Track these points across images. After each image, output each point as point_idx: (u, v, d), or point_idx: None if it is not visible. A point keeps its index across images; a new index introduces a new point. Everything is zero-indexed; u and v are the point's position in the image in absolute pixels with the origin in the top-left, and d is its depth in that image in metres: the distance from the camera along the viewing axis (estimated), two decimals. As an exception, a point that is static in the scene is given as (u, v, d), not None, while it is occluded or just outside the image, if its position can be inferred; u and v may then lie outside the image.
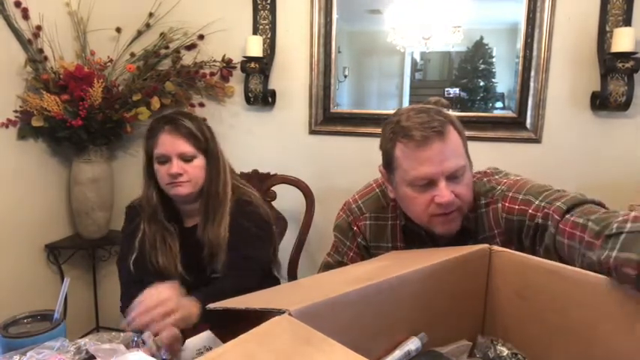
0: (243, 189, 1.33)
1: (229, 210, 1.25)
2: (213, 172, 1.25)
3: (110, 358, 0.81)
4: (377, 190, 1.09)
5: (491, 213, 0.94)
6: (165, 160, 1.20)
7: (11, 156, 1.91)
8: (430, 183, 0.89)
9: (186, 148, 1.20)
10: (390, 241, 1.05)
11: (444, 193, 0.87)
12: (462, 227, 0.94)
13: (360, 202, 1.09)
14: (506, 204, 0.91)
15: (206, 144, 1.24)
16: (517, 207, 0.90)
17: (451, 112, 0.97)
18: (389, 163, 0.96)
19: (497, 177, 0.99)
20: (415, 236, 1.02)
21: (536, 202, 0.86)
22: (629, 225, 0.65)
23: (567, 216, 0.79)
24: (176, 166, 1.19)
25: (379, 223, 1.05)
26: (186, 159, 1.21)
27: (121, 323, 1.00)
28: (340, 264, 1.09)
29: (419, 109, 0.93)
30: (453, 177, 0.89)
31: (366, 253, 1.08)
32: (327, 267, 1.14)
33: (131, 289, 1.16)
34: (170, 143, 1.19)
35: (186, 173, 1.20)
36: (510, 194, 0.92)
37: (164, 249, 1.25)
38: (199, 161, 1.23)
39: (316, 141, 2.06)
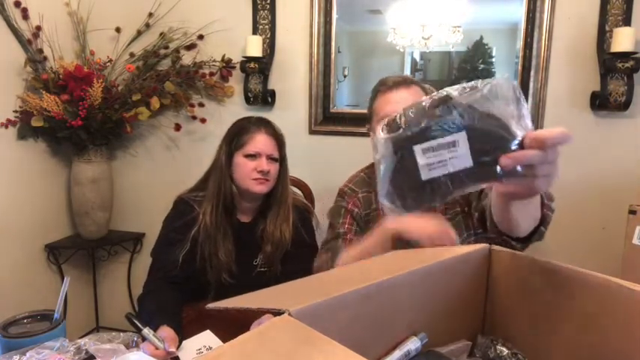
0: (296, 195, 1.46)
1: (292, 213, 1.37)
2: (283, 176, 1.36)
3: (110, 358, 0.81)
4: (362, 174, 1.30)
5: None
6: (255, 157, 1.29)
7: (11, 156, 1.91)
8: None
9: (275, 151, 1.33)
10: (377, 205, 1.22)
11: None
12: None
13: (350, 185, 1.29)
14: None
15: (284, 152, 1.37)
16: None
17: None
18: (370, 116, 1.20)
19: None
20: None
21: None
22: None
23: None
24: (267, 164, 1.29)
25: (368, 195, 1.25)
26: (272, 160, 1.32)
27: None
28: (337, 237, 1.21)
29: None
30: None
31: (361, 221, 1.23)
32: (324, 245, 1.23)
33: (165, 282, 1.24)
34: (265, 143, 1.30)
35: (270, 173, 1.30)
36: None
37: (226, 242, 1.30)
38: (277, 165, 1.34)
39: (316, 141, 2.06)
